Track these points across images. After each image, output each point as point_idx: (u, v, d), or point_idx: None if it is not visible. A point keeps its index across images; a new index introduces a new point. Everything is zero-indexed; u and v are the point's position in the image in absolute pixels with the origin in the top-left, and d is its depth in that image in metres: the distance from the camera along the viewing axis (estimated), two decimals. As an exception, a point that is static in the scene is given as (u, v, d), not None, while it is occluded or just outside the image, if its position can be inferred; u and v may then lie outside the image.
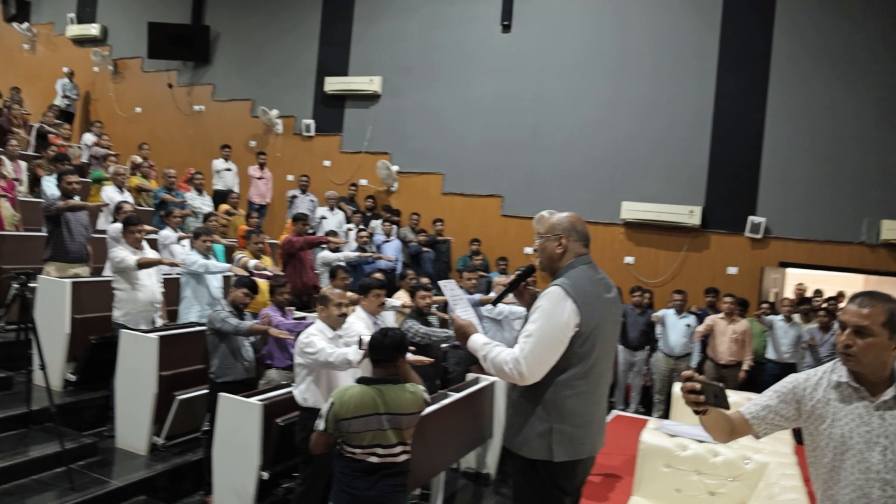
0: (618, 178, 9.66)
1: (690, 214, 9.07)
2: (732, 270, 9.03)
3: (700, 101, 9.18)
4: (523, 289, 3.16)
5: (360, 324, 4.67)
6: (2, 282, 5.86)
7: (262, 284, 6.46)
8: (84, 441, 5.18)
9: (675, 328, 7.81)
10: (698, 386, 2.16)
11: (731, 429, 2.35)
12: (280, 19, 12.38)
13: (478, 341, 2.87)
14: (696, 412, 2.24)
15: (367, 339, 4.56)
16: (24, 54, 15.44)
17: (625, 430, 5.60)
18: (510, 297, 3.15)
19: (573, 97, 9.99)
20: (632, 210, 9.42)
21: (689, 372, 2.21)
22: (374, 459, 3.29)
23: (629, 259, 9.55)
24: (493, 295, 6.97)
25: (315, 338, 4.14)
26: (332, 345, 4.20)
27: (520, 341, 2.72)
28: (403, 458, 3.39)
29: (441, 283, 3.34)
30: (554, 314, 2.66)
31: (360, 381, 3.43)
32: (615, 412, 6.95)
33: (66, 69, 13.85)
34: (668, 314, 7.93)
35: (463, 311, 3.15)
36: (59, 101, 13.17)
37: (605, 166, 9.74)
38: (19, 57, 15.52)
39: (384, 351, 3.41)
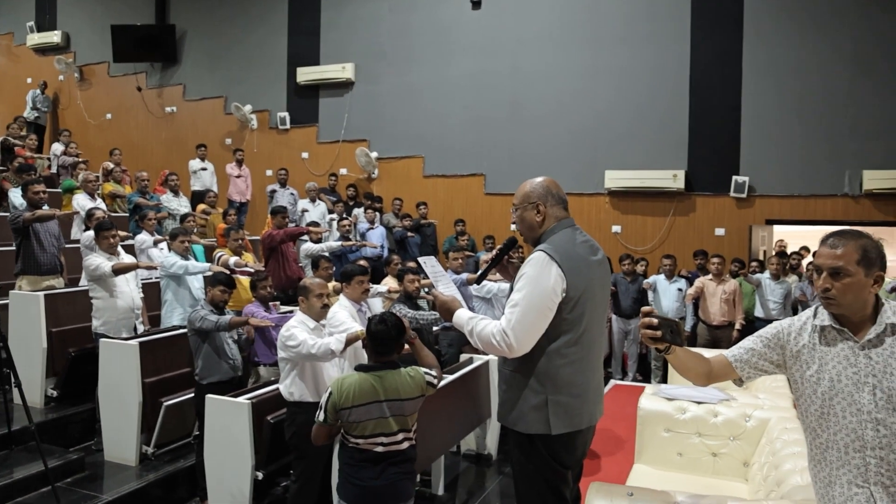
0: (600, 148, 9.53)
1: (674, 179, 8.96)
2: (720, 231, 8.94)
3: (677, 64, 9.05)
4: (507, 263, 3.04)
5: (343, 312, 4.53)
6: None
7: (245, 281, 6.31)
8: (70, 457, 5.02)
9: (666, 293, 7.72)
10: (655, 321, 2.12)
11: (707, 371, 2.28)
12: (247, 12, 12.13)
13: (463, 316, 2.75)
14: (658, 351, 2.19)
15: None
16: (-15, 68, 15.11)
17: (624, 398, 5.50)
18: (497, 274, 3.03)
19: (550, 69, 9.83)
20: (616, 178, 9.30)
21: (648, 308, 2.15)
22: (379, 449, 3.20)
23: (616, 228, 9.44)
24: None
25: (296, 330, 4.00)
26: (315, 336, 4.05)
27: (506, 312, 2.59)
28: (406, 445, 3.30)
29: (421, 259, 3.22)
30: (539, 280, 2.54)
31: (359, 368, 3.34)
32: (613, 382, 6.86)
33: (31, 80, 13.58)
34: (659, 280, 7.84)
35: (445, 287, 3.03)
36: (27, 113, 12.92)
37: (586, 137, 9.61)
38: (-20, 71, 15.19)
39: (389, 339, 3.30)
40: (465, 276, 6.62)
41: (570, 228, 2.72)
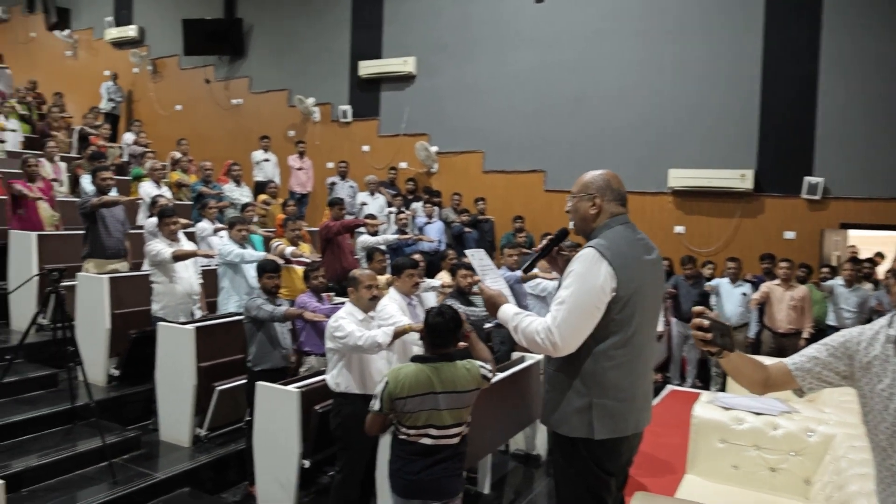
0: (664, 145, 9.27)
1: (742, 178, 8.64)
2: (790, 235, 8.58)
3: (748, 57, 8.70)
4: (556, 255, 2.95)
5: (393, 305, 4.50)
6: (44, 281, 5.88)
7: (300, 271, 6.37)
8: (128, 435, 5.19)
9: (730, 297, 7.46)
10: (706, 323, 1.97)
11: (764, 378, 2.11)
12: (311, 6, 12.28)
13: (508, 312, 2.68)
14: (710, 354, 2.05)
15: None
16: (67, 61, 15.76)
17: (680, 405, 5.33)
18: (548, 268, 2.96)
19: (614, 63, 9.62)
20: (680, 177, 9.04)
21: (699, 308, 2.01)
22: (427, 441, 3.21)
23: (679, 228, 9.17)
24: (536, 271, 6.74)
25: (344, 321, 4.00)
26: (363, 328, 4.04)
27: (552, 309, 2.51)
28: (458, 438, 3.30)
29: (468, 252, 3.16)
30: (588, 278, 2.45)
31: (415, 359, 3.35)
32: (670, 387, 6.66)
33: (107, 72, 14.08)
34: (723, 283, 7.58)
35: (493, 281, 2.96)
36: (103, 104, 13.39)
37: (650, 133, 9.36)
38: (62, 63, 15.84)
39: (446, 331, 3.30)
40: (519, 273, 6.53)
41: (623, 225, 2.62)
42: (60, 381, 5.64)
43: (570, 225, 2.81)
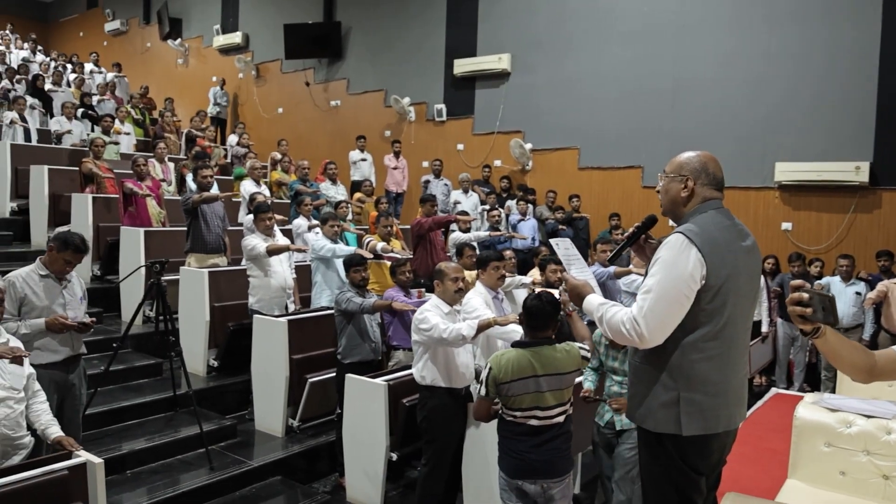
0: (770, 138, 8.77)
1: (857, 171, 8.05)
2: (912, 231, 7.93)
3: (863, 42, 8.08)
4: (644, 243, 2.81)
5: (478, 299, 4.45)
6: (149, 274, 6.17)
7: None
8: (224, 423, 5.36)
9: (842, 297, 6.96)
10: (806, 296, 1.80)
11: (869, 365, 1.92)
12: (407, 6, 12.41)
13: (593, 302, 2.56)
14: (804, 334, 1.88)
15: None
16: (178, 68, 16.63)
17: (785, 408, 4.99)
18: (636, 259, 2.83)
19: (715, 54, 9.18)
20: (787, 171, 8.52)
21: (800, 281, 1.82)
22: (534, 422, 3.24)
23: (786, 225, 8.66)
24: (631, 267, 6.51)
25: (429, 314, 3.98)
26: (448, 321, 4.01)
27: (638, 298, 2.38)
28: (563, 417, 3.32)
29: (552, 240, 3.07)
30: (676, 265, 2.31)
31: (515, 344, 3.37)
32: (775, 390, 6.28)
33: (214, 78, 14.75)
34: (834, 282, 7.09)
35: (578, 271, 2.86)
36: (210, 109, 14.03)
37: (755, 126, 8.88)
38: (174, 71, 16.73)
39: (545, 315, 3.31)
40: (612, 269, 6.34)
41: (716, 210, 2.46)
42: (165, 371, 5.90)
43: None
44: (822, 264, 7.61)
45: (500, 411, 3.35)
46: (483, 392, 3.27)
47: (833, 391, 6.44)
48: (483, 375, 3.27)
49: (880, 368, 1.93)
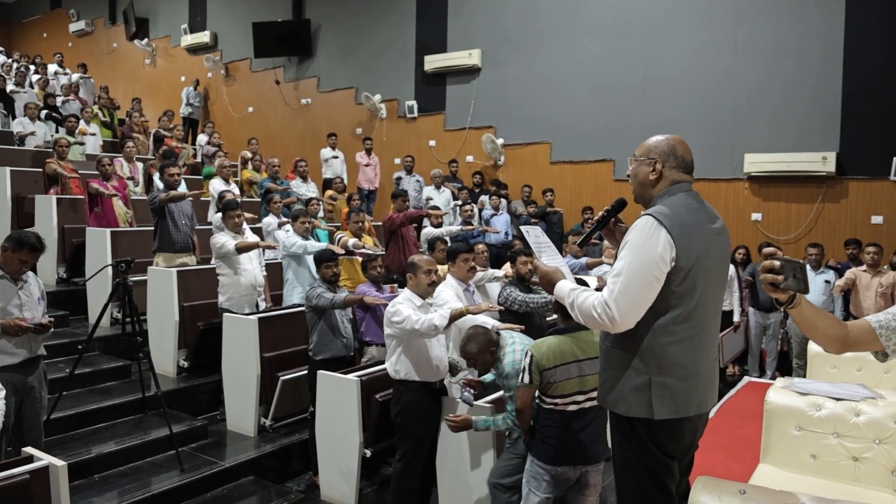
0: (739, 130, 8.85)
1: (824, 162, 8.14)
2: (877, 220, 8.02)
3: (828, 34, 8.17)
4: (614, 227, 2.79)
5: (448, 291, 4.42)
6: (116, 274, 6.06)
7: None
8: (195, 424, 5.27)
9: (811, 285, 7.01)
10: (777, 263, 1.81)
11: (841, 335, 1.93)
12: (377, 3, 12.33)
13: (564, 288, 2.53)
14: (779, 304, 1.89)
15: (462, 363, 4.42)
16: (146, 69, 16.39)
17: (757, 396, 5.02)
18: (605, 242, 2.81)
19: (684, 47, 9.24)
20: (756, 162, 8.60)
21: (772, 249, 1.81)
22: (573, 407, 3.23)
23: (756, 216, 8.73)
24: (603, 258, 6.53)
25: (401, 306, 3.94)
26: (421, 313, 3.97)
27: (608, 282, 2.36)
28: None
29: (523, 228, 3.05)
30: (645, 247, 2.29)
31: (553, 332, 3.36)
32: (747, 379, 6.33)
33: (183, 78, 14.56)
34: (804, 270, 7.15)
35: (549, 258, 2.83)
36: (183, 109, 13.86)
37: (723, 118, 8.95)
38: (142, 72, 16.49)
39: None
40: (584, 260, 6.35)
41: (685, 193, 2.45)
42: (133, 373, 5.79)
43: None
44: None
45: (536, 400, 3.31)
46: (526, 380, 3.24)
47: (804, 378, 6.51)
48: (525, 363, 3.25)
49: (853, 339, 1.94)
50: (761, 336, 7.59)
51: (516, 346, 3.61)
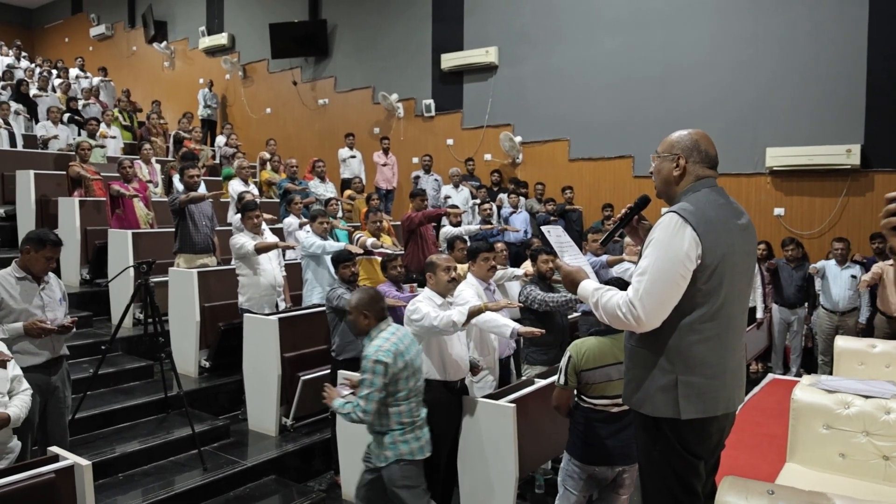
0: (760, 124, 8.73)
1: (848, 154, 8.02)
2: (905, 212, 7.88)
3: (851, 24, 8.04)
4: (637, 224, 2.76)
5: (469, 290, 4.40)
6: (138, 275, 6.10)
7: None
8: (217, 424, 5.30)
9: (837, 280, 6.94)
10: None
11: None
12: (393, 2, 12.34)
13: (588, 287, 2.50)
14: (893, 252, 1.79)
15: (482, 362, 4.39)
16: (165, 71, 16.52)
17: (781, 393, 4.97)
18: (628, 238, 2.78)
19: (704, 40, 9.13)
20: (778, 156, 8.48)
21: (893, 194, 1.72)
22: (614, 409, 3.20)
23: (779, 210, 8.62)
24: (623, 255, 6.48)
25: (421, 304, 3.92)
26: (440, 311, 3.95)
27: (633, 281, 2.33)
28: None
29: (544, 228, 3.03)
30: (671, 245, 2.26)
31: (594, 333, 3.33)
32: (771, 376, 6.25)
33: (201, 80, 14.66)
34: (829, 265, 7.07)
35: (572, 258, 2.81)
36: (200, 111, 13.94)
37: (745, 112, 8.84)
38: (161, 74, 16.63)
39: None
40: (605, 257, 6.30)
41: (710, 189, 2.41)
42: (155, 373, 5.83)
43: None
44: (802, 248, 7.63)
45: (575, 399, 3.29)
46: (562, 381, 3.23)
47: (830, 375, 6.42)
48: (562, 363, 3.23)
49: None
50: (785, 332, 7.50)
51: (391, 338, 3.39)
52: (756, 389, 5.62)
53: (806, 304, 7.45)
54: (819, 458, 3.34)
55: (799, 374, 7.35)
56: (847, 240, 7.14)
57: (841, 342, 4.75)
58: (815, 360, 7.32)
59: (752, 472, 3.77)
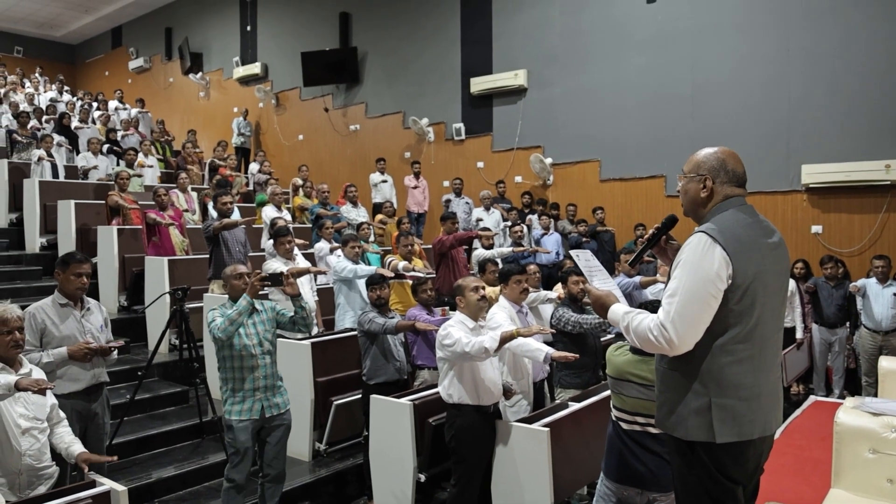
0: (795, 140, 8.60)
1: (887, 170, 7.84)
2: (949, 229, 7.69)
3: (888, 35, 7.90)
4: (665, 244, 2.72)
5: (502, 314, 4.37)
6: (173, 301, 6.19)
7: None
8: (252, 449, 5.29)
9: (879, 299, 6.77)
10: None
11: None
12: (421, 28, 12.48)
13: (618, 311, 2.47)
14: None
15: (515, 386, 4.36)
16: (200, 101, 16.89)
17: (825, 416, 4.83)
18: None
19: (734, 58, 9.06)
20: (815, 173, 8.34)
21: None
22: (653, 430, 3.12)
23: (816, 228, 8.45)
24: (657, 276, 6.40)
25: (452, 329, 3.91)
26: (473, 336, 3.93)
27: (663, 303, 2.29)
28: None
29: (573, 252, 2.99)
30: (701, 266, 2.23)
31: (635, 350, 3.24)
32: (813, 398, 6.08)
33: (235, 109, 14.95)
34: (870, 284, 6.89)
35: (601, 282, 2.77)
36: (235, 139, 14.22)
37: (778, 129, 8.72)
38: (197, 104, 17.00)
39: None
40: (638, 279, 6.23)
41: (739, 208, 2.37)
42: (191, 398, 5.88)
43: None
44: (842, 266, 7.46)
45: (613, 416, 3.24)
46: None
47: (875, 396, 6.23)
48: None
49: None
50: (826, 353, 7.32)
51: None
52: (798, 412, 5.47)
53: (847, 324, 7.27)
54: (866, 484, 3.23)
55: (842, 396, 7.15)
56: (888, 257, 6.97)
57: (886, 363, 4.60)
58: (858, 381, 7.13)
59: (796, 498, 3.66)
